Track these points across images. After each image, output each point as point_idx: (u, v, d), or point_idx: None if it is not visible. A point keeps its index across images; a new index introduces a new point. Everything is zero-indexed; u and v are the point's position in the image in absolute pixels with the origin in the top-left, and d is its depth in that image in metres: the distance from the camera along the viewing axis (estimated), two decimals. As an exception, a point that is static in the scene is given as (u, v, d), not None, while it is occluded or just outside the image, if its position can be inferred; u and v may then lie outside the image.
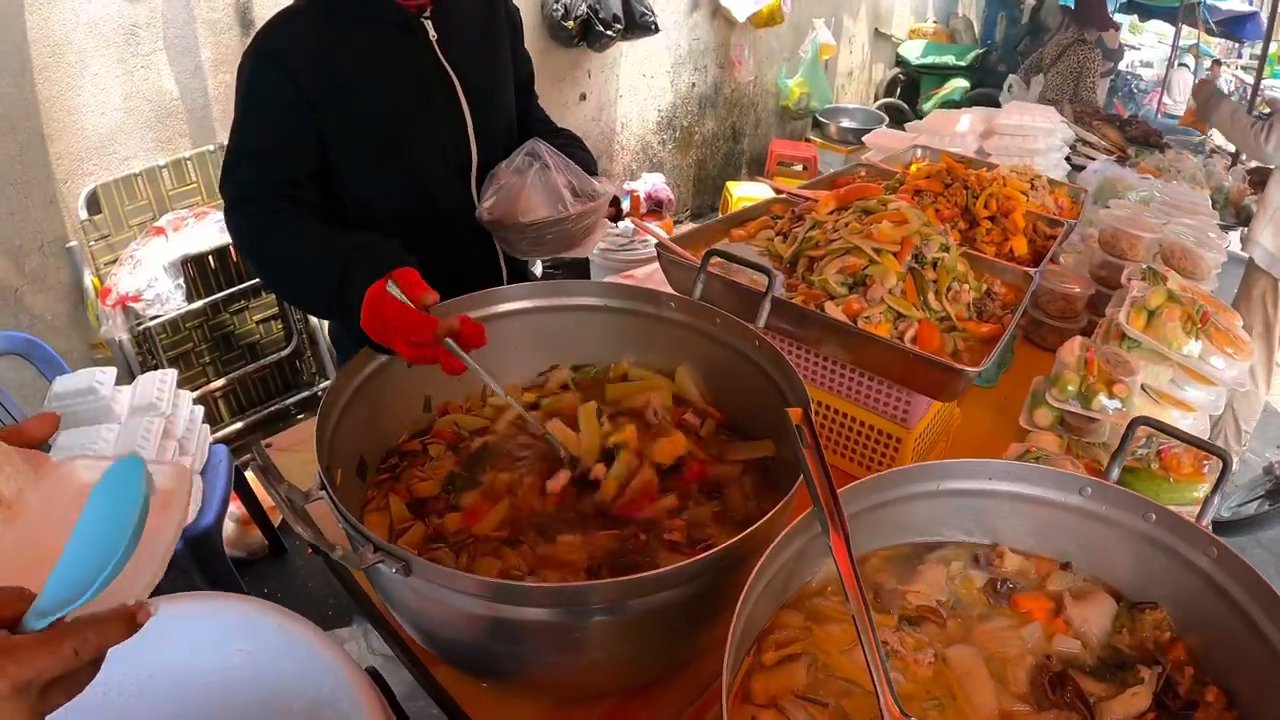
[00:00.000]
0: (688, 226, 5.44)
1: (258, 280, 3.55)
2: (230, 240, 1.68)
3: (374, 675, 1.20)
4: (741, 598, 0.81)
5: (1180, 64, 10.67)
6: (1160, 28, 12.04)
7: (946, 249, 1.62)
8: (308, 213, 1.56)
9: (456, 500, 1.31)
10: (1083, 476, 1.18)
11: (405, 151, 1.67)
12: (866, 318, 1.47)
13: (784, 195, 2.00)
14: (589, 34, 4.65)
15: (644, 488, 1.30)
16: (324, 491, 1.01)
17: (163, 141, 3.38)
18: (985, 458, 1.86)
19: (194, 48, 3.38)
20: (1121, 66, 9.17)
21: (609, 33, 4.65)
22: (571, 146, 1.82)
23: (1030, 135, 3.47)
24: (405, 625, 1.18)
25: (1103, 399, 1.85)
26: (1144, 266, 2.27)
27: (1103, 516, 1.18)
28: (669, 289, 1.61)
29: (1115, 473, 1.36)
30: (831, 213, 1.68)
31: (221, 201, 1.60)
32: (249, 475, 2.86)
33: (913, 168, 2.61)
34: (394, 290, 1.27)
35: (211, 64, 3.44)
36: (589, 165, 1.80)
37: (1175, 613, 1.14)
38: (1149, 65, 12.20)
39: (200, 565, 2.43)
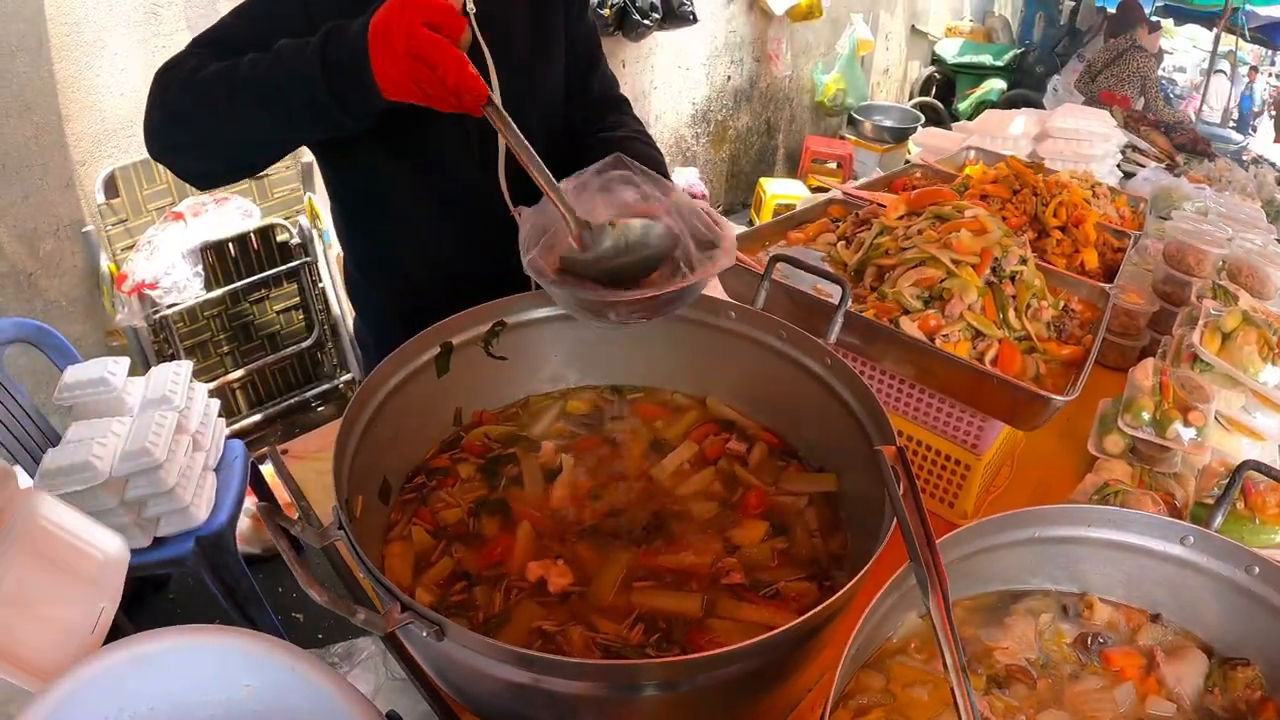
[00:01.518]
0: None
1: (279, 269, 3.46)
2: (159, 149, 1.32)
3: (394, 721, 1.10)
4: (838, 675, 0.69)
5: (1217, 70, 10.44)
6: (1193, 33, 11.83)
7: (1024, 261, 1.49)
8: None
9: (482, 528, 1.19)
10: (1185, 524, 1.09)
11: (420, 126, 1.49)
12: (945, 336, 1.34)
13: (841, 197, 1.87)
14: (625, 23, 4.53)
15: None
16: (342, 531, 0.89)
17: (184, 124, 3.27)
18: (1051, 485, 1.79)
19: (218, 28, 3.27)
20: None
21: (646, 22, 4.53)
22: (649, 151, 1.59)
23: (1086, 140, 3.34)
24: (433, 676, 1.05)
25: (1178, 427, 1.73)
26: (1213, 284, 2.15)
27: (1199, 566, 1.09)
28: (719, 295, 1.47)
29: (1219, 520, 1.26)
30: (901, 218, 1.54)
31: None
32: (264, 470, 2.77)
33: (967, 170, 2.48)
34: None
35: (236, 45, 3.33)
36: (661, 169, 1.52)
37: (1267, 670, 1.06)
38: (1182, 70, 11.96)
39: (211, 566, 2.33)
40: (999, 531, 1.03)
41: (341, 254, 1.83)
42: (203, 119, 1.26)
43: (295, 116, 1.21)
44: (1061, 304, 1.60)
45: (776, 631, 0.78)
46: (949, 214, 1.51)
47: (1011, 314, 1.42)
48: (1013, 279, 1.47)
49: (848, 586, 0.81)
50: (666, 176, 1.34)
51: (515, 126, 1.12)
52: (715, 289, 1.47)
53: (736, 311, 1.31)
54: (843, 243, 1.62)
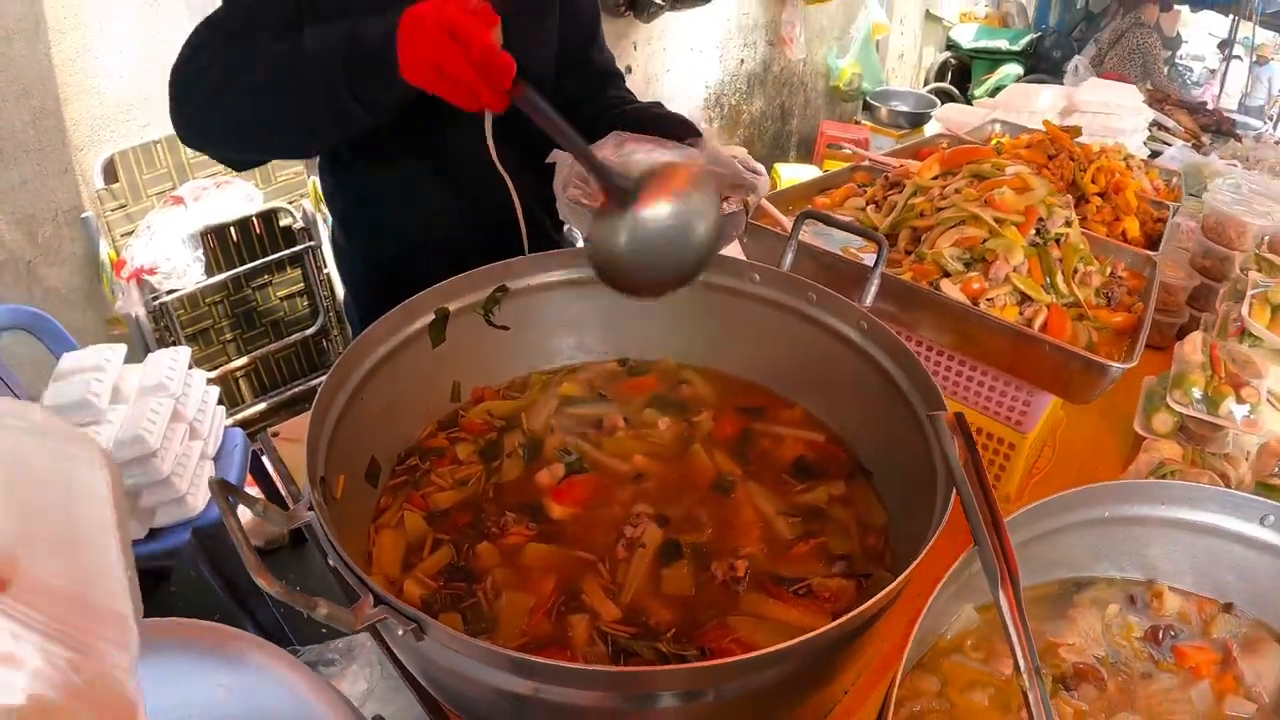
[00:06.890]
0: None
1: (283, 254, 3.35)
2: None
3: (382, 724, 0.99)
4: (898, 682, 0.58)
5: (1234, 57, 10.26)
6: (1207, 21, 11.66)
7: (1070, 224, 1.38)
8: None
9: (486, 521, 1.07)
10: (1267, 502, 0.99)
11: None
12: (989, 300, 1.22)
13: (867, 164, 1.76)
14: (637, 3, 4.44)
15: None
16: (312, 512, 0.78)
17: (184, 107, 3.18)
18: (1097, 468, 1.67)
19: (218, 9, 3.18)
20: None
21: (658, 2, 4.44)
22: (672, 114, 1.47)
23: (1115, 113, 3.21)
24: (421, 680, 0.92)
25: (1230, 404, 1.61)
26: (1255, 256, 2.04)
27: (1275, 548, 1.00)
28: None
29: (1297, 499, 1.14)
30: (936, 177, 1.43)
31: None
32: (266, 460, 2.68)
33: (993, 142, 2.37)
34: None
35: (236, 25, 3.23)
36: (689, 127, 1.43)
37: (1346, 663, 0.95)
38: (1200, 59, 11.77)
39: (209, 558, 2.25)
40: (1065, 511, 0.92)
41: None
42: (226, 111, 1.21)
43: (309, 95, 1.14)
44: (1109, 270, 1.49)
45: (827, 628, 0.66)
46: (988, 171, 1.39)
47: (1059, 278, 1.30)
48: (1058, 241, 1.35)
49: (905, 573, 0.69)
50: (697, 133, 1.28)
51: (548, 106, 0.99)
52: (735, 253, 1.35)
53: (761, 273, 1.20)
54: (872, 206, 1.51)
